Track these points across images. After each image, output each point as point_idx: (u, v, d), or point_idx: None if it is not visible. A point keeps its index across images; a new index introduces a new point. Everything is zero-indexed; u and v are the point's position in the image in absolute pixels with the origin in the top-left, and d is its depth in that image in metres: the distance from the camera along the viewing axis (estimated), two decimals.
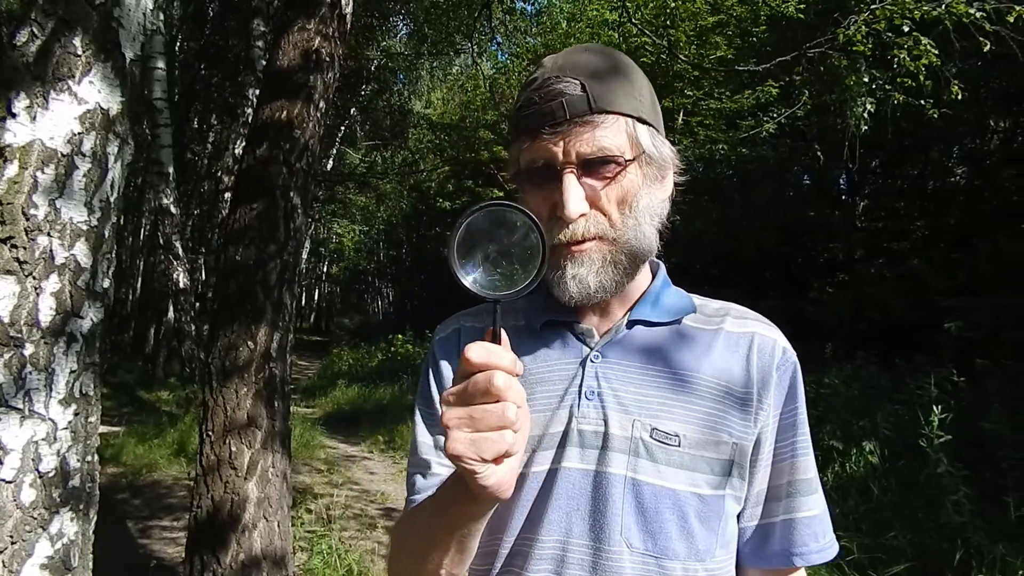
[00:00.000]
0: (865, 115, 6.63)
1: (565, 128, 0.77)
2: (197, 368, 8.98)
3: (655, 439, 0.78)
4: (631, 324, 0.85)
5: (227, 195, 8.78)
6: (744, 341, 0.84)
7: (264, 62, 9.62)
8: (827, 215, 10.39)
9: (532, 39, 13.66)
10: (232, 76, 9.97)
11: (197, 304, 10.17)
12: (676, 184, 0.88)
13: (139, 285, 16.48)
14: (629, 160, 0.79)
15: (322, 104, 3.56)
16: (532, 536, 0.80)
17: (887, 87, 5.84)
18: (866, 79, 6.14)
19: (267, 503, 3.10)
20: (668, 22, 10.20)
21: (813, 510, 0.83)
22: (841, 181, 10.63)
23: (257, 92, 8.88)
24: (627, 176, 0.79)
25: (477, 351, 0.59)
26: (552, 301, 0.83)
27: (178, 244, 8.94)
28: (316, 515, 4.81)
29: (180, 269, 8.85)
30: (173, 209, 8.79)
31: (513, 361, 0.60)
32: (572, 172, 0.77)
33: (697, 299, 0.90)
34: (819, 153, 9.97)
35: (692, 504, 0.78)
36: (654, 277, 0.90)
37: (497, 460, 0.60)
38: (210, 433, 3.07)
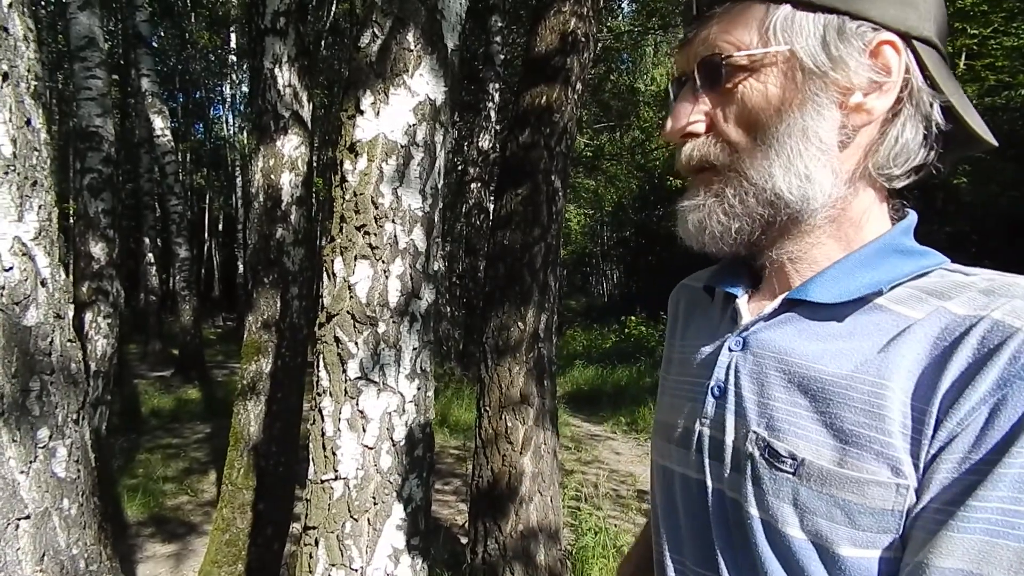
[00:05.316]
0: None
1: (694, 28, 0.61)
2: (452, 346, 9.77)
3: (765, 458, 0.56)
4: (789, 304, 0.61)
5: (472, 185, 9.37)
6: (959, 328, 0.51)
7: (502, 56, 10.08)
8: None
9: None
10: (472, 73, 10.60)
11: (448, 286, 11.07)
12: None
13: None
14: (746, 59, 0.56)
15: (579, 85, 3.56)
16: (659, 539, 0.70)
17: None
18: None
19: (540, 478, 3.20)
20: None
21: None
22: None
23: (498, 87, 9.35)
24: (747, 84, 0.57)
25: None
26: (726, 261, 0.69)
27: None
28: (574, 493, 4.92)
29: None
30: None
31: None
32: (691, 82, 0.61)
33: (956, 273, 0.57)
34: None
35: (812, 560, 0.52)
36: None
37: None
38: (487, 408, 3.25)
